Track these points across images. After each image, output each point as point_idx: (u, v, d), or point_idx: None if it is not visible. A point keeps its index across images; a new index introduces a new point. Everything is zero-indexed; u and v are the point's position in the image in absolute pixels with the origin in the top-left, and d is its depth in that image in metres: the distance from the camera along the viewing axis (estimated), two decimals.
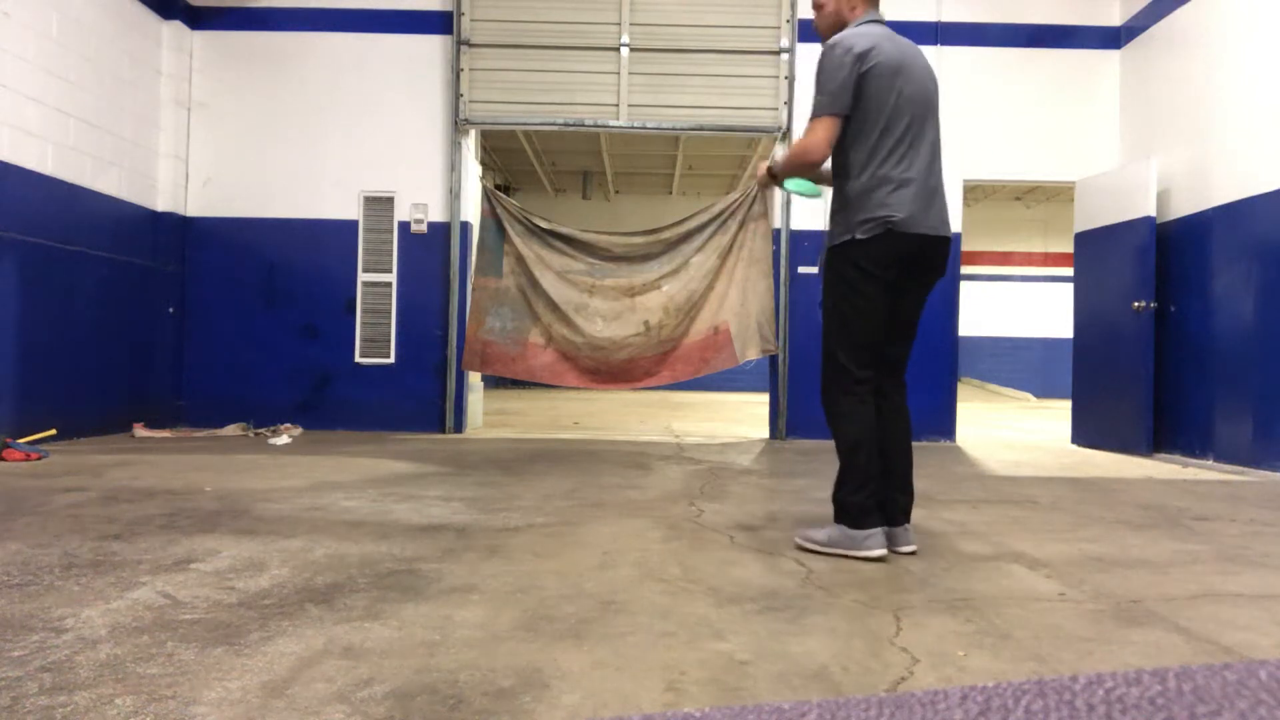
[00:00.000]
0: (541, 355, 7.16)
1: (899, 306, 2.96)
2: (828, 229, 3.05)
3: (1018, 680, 0.51)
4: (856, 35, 2.91)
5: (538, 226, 7.22)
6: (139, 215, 6.97)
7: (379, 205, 7.47)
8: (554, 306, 7.10)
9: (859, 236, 2.86)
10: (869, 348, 2.91)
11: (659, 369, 7.21)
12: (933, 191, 2.94)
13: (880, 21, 3.02)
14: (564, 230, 7.26)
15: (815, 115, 2.92)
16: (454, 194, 7.43)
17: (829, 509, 3.33)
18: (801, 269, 7.44)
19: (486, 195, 7.34)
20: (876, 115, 2.88)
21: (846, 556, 2.81)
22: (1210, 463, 6.11)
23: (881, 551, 2.81)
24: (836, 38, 2.93)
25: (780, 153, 2.73)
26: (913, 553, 2.89)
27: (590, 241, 7.25)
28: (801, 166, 3.03)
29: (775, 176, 3.22)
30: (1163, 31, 6.97)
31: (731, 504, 3.94)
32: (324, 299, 7.46)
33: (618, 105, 7.43)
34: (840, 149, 2.96)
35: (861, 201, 2.88)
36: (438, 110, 7.48)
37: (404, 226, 7.47)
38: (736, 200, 7.41)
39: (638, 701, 1.61)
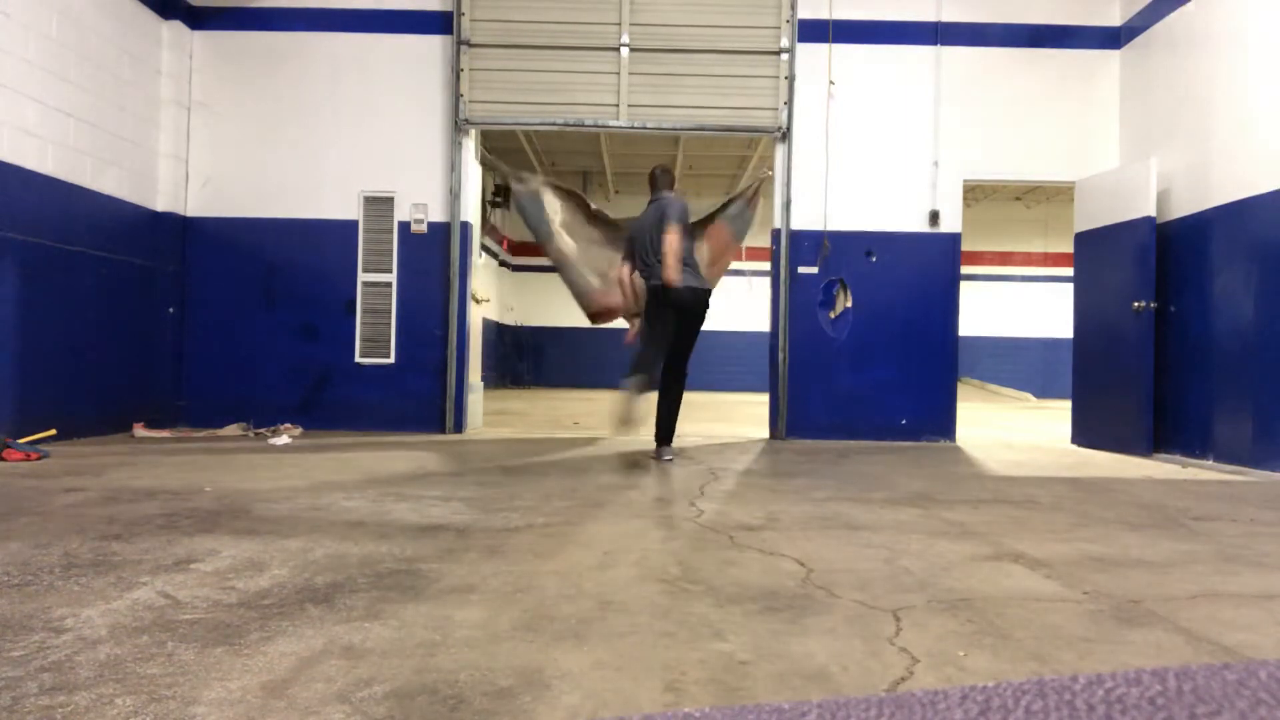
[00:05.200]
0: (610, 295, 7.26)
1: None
2: (699, 282, 5.52)
3: (1018, 680, 0.51)
4: (680, 202, 5.54)
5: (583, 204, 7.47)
6: (139, 215, 6.97)
7: (379, 205, 7.47)
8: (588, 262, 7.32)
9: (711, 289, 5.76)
10: None
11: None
12: None
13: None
14: (599, 210, 7.52)
15: (674, 228, 5.36)
16: (454, 194, 7.43)
17: (829, 509, 3.33)
18: (801, 269, 7.44)
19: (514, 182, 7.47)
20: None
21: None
22: (1210, 463, 6.11)
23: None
24: (673, 199, 5.52)
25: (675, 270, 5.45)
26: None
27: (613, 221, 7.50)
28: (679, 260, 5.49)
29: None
30: (1162, 32, 6.97)
31: (731, 504, 3.93)
32: (324, 299, 7.46)
33: (618, 105, 7.43)
34: (690, 250, 5.60)
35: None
36: (438, 110, 7.47)
37: (404, 226, 7.47)
38: (735, 199, 7.47)
39: (638, 701, 1.61)
